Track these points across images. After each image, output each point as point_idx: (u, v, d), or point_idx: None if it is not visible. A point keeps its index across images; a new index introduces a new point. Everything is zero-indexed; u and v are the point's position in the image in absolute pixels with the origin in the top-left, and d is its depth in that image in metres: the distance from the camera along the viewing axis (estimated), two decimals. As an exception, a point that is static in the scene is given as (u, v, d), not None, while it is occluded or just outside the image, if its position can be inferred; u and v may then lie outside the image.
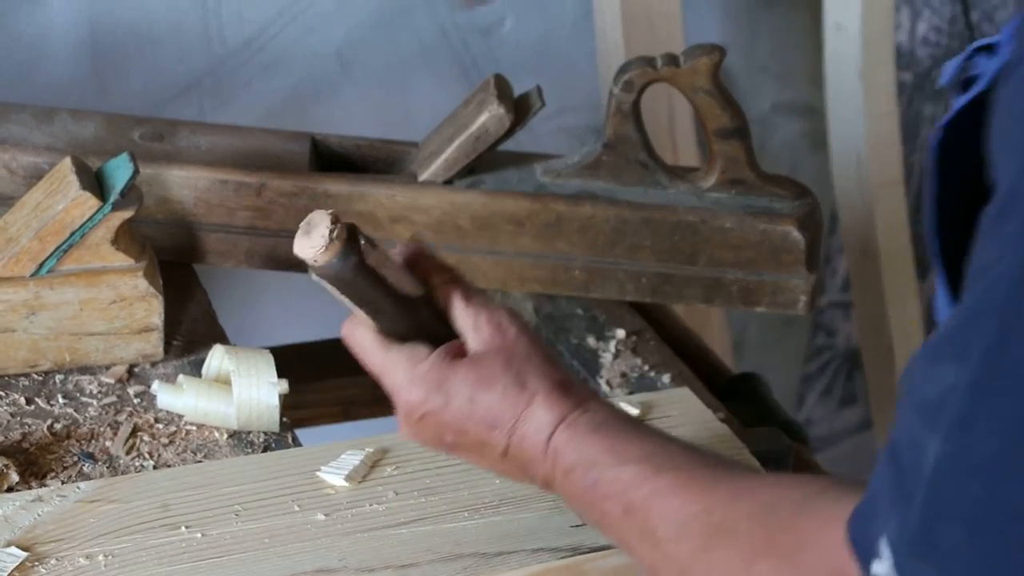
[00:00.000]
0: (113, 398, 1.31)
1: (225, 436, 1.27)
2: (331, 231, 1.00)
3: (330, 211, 1.01)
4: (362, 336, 1.06)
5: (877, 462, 0.83)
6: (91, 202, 1.29)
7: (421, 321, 1.06)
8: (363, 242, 1.02)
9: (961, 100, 0.92)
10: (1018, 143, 0.75)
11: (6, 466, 1.20)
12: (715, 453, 1.01)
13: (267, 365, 1.27)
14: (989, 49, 0.93)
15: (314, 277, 1.02)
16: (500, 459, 1.04)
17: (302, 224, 1.01)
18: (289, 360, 1.35)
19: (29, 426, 1.27)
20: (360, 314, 1.05)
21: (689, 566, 0.93)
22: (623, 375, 1.42)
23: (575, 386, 1.05)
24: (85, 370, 1.34)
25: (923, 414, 0.78)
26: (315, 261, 1.01)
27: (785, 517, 0.89)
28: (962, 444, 0.76)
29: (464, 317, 1.05)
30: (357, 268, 1.01)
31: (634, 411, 1.27)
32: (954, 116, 0.92)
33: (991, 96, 0.84)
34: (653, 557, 0.96)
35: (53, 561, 1.09)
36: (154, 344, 1.35)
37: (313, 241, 1.00)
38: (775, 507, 0.90)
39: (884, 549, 0.79)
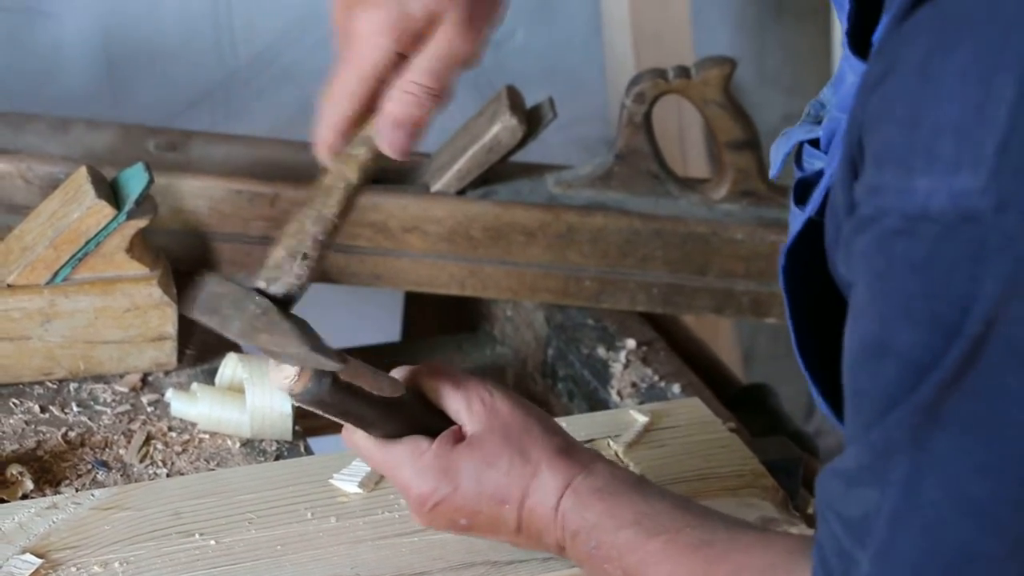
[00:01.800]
0: (127, 406, 1.32)
1: (238, 444, 1.28)
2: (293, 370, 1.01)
3: None
4: (359, 440, 1.08)
5: (812, 560, 0.89)
6: (106, 211, 1.29)
7: (412, 417, 1.07)
8: None
9: (796, 224, 0.98)
10: (881, 298, 0.80)
11: (21, 473, 1.21)
12: (701, 508, 1.05)
13: (280, 374, 1.28)
14: (815, 143, 1.00)
15: (295, 403, 1.03)
16: (515, 533, 1.07)
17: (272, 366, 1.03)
18: (302, 369, 1.35)
19: (43, 434, 1.28)
20: (347, 424, 1.07)
21: None
22: (633, 385, 1.42)
23: (576, 450, 1.08)
24: (99, 378, 1.34)
25: (849, 530, 0.85)
26: (291, 391, 1.02)
27: None
28: (884, 571, 0.82)
29: (456, 402, 1.07)
30: (333, 388, 1.03)
31: (643, 419, 1.28)
32: (795, 237, 0.98)
33: (824, 214, 0.91)
34: None
35: (68, 568, 1.10)
36: (168, 353, 1.35)
37: (286, 372, 1.01)
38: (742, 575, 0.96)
39: None
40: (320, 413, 1.05)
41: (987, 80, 0.75)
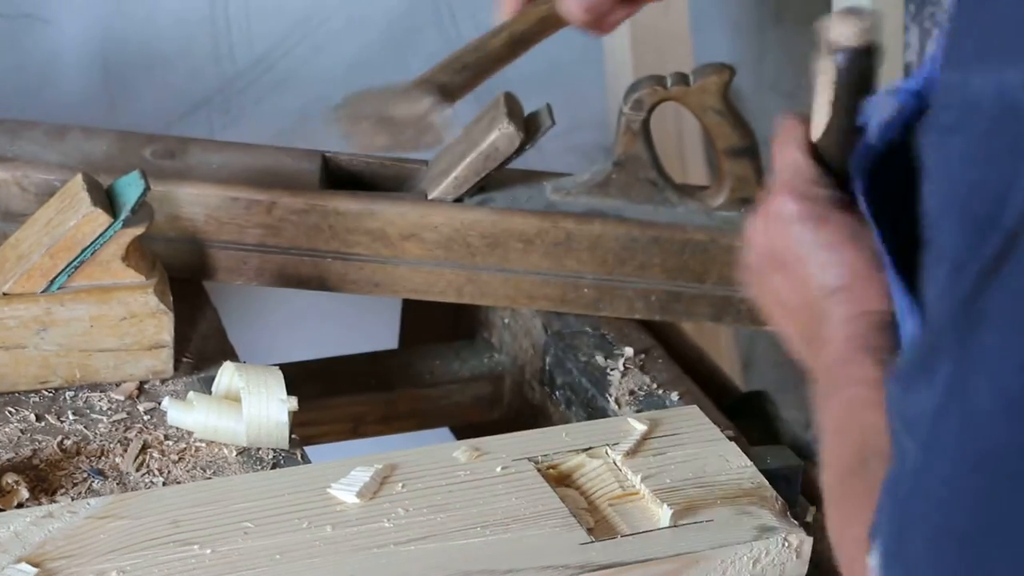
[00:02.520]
0: (123, 415, 1.31)
1: (234, 453, 1.27)
2: (869, 21, 1.05)
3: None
4: (803, 137, 1.10)
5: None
6: (102, 219, 1.29)
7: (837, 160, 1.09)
8: None
9: (878, 138, 1.02)
10: (939, 195, 0.83)
11: (16, 482, 1.21)
12: None
13: (277, 382, 1.28)
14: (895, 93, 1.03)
15: (838, 58, 1.06)
16: (807, 307, 1.07)
17: (837, 13, 1.06)
18: (298, 377, 1.35)
19: (39, 442, 1.27)
20: (826, 115, 1.09)
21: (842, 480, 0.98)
22: (631, 393, 1.42)
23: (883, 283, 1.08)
24: (95, 387, 1.34)
25: (906, 427, 0.85)
26: (856, 39, 1.05)
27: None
28: (925, 464, 0.83)
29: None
30: (874, 58, 1.06)
31: (642, 427, 1.28)
32: (876, 156, 1.01)
33: (910, 137, 0.94)
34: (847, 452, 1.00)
35: (63, 577, 1.10)
36: (164, 361, 1.35)
37: (858, 24, 1.05)
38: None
39: (876, 544, 0.86)
40: (830, 88, 1.07)
41: None
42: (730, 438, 1.30)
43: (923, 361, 0.84)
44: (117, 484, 1.23)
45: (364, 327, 1.93)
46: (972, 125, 0.80)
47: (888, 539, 0.85)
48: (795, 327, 1.10)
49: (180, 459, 1.27)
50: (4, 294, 1.30)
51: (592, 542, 1.16)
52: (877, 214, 1.03)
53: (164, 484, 1.24)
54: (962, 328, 0.81)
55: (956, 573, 0.82)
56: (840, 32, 1.06)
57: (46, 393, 1.33)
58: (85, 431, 1.29)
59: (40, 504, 1.19)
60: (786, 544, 1.18)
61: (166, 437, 1.29)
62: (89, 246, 1.30)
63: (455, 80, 1.24)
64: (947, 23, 0.85)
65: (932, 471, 0.83)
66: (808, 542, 1.19)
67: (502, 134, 1.45)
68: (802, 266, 1.08)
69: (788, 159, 1.11)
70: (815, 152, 1.10)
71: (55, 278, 1.31)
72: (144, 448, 1.27)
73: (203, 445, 1.28)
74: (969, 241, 0.80)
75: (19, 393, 1.33)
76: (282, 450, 1.28)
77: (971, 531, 0.81)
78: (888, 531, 0.86)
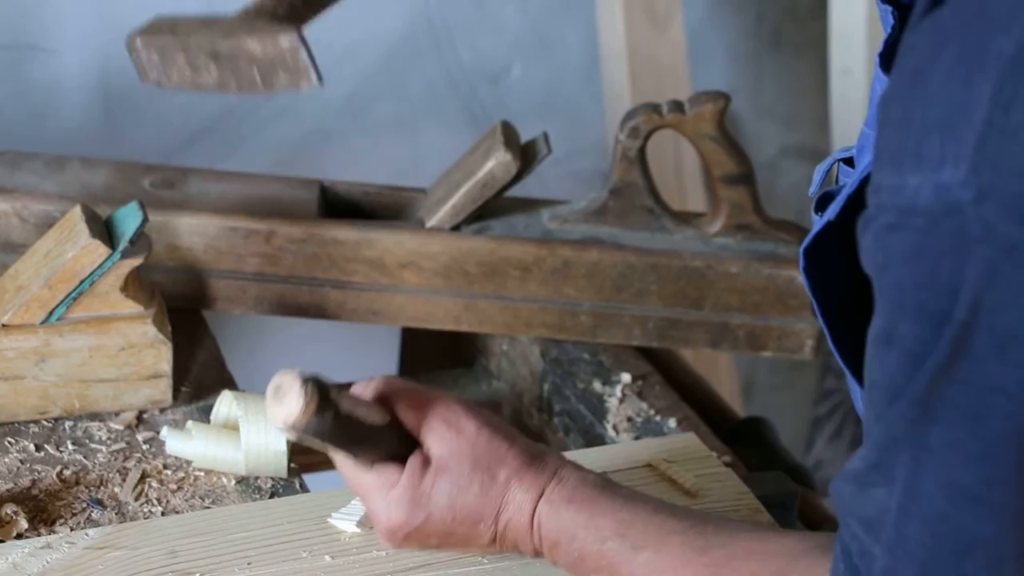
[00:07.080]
0: (122, 444, 1.32)
1: (233, 482, 1.28)
2: (304, 393, 1.00)
3: (295, 371, 1.01)
4: (342, 465, 1.11)
5: (834, 560, 0.90)
6: (100, 250, 1.30)
7: (389, 441, 1.09)
8: (332, 393, 1.02)
9: (817, 226, 1.01)
10: (883, 292, 0.83)
11: (15, 513, 1.21)
12: (684, 511, 1.07)
13: (275, 411, 1.28)
14: (849, 162, 1.02)
15: (294, 437, 1.04)
16: (490, 545, 1.10)
17: (270, 390, 1.01)
18: (297, 406, 1.35)
19: (38, 472, 1.28)
20: (340, 454, 1.08)
21: None
22: (629, 419, 1.42)
23: (544, 457, 1.10)
24: (94, 416, 1.34)
25: (868, 530, 0.86)
26: (295, 425, 1.01)
27: None
28: (892, 566, 0.85)
29: (425, 429, 1.09)
30: (335, 420, 1.03)
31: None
32: (813, 238, 1.01)
33: (849, 216, 0.93)
34: None
35: (62, 608, 1.10)
36: (163, 390, 1.35)
37: (289, 407, 1.01)
38: None
39: None
40: (315, 445, 1.05)
41: (968, 81, 0.79)
42: (727, 464, 1.30)
43: (879, 458, 0.85)
44: (116, 514, 1.23)
45: (363, 355, 1.93)
46: (910, 224, 0.80)
47: None
48: (501, 552, 1.11)
49: (179, 488, 1.27)
50: (3, 325, 1.31)
51: (589, 570, 1.16)
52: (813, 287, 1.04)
53: (163, 514, 1.24)
54: (916, 423, 0.82)
55: None
56: (279, 419, 1.01)
57: (45, 423, 1.34)
58: (84, 461, 1.29)
59: (39, 534, 1.19)
60: (783, 571, 1.18)
61: (165, 466, 1.29)
62: (88, 277, 1.30)
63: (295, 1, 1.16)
64: (875, 123, 0.85)
65: (899, 571, 0.84)
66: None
67: (498, 162, 1.45)
68: (455, 532, 1.09)
69: (360, 490, 1.10)
70: (366, 466, 1.09)
71: (54, 309, 1.31)
72: (143, 477, 1.28)
73: (202, 474, 1.28)
74: (924, 335, 0.81)
75: (18, 423, 1.33)
76: (281, 479, 1.28)
77: None
78: None
